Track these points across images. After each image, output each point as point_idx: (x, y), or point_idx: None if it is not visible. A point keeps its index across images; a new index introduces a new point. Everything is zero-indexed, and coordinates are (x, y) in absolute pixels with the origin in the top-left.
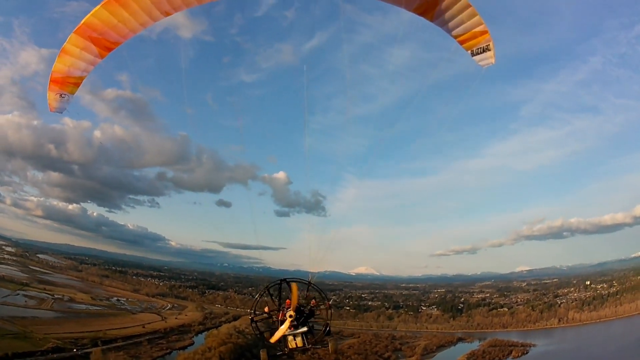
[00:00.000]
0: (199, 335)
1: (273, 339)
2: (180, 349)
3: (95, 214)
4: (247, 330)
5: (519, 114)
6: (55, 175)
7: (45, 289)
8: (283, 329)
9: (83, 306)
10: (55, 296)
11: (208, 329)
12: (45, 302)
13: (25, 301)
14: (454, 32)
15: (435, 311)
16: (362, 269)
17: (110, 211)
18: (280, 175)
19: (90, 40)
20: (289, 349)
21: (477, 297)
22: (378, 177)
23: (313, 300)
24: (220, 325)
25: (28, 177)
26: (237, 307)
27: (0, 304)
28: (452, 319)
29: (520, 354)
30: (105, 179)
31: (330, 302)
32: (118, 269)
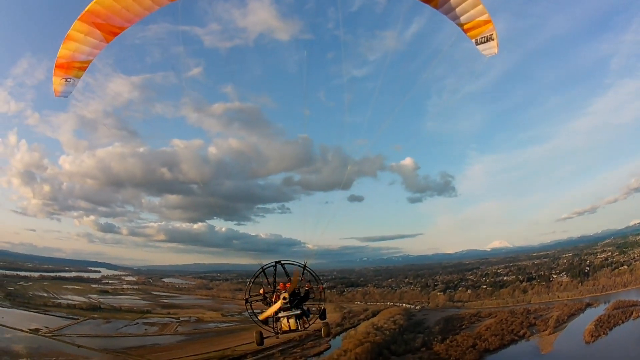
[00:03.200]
0: (337, 337)
1: (262, 316)
2: (315, 355)
3: (224, 229)
4: (386, 325)
5: (609, 67)
6: (173, 198)
7: (169, 314)
8: (273, 308)
9: (212, 325)
10: (181, 319)
11: (346, 330)
12: (169, 327)
13: (145, 329)
14: (458, 21)
15: (565, 278)
16: (496, 243)
17: (239, 224)
18: (408, 161)
19: (94, 26)
20: (282, 330)
21: (601, 258)
22: (499, 150)
23: (308, 283)
24: (358, 324)
25: (143, 204)
26: (377, 302)
27: (115, 336)
28: (580, 284)
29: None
30: (229, 193)
31: (324, 286)
32: (270, 282)
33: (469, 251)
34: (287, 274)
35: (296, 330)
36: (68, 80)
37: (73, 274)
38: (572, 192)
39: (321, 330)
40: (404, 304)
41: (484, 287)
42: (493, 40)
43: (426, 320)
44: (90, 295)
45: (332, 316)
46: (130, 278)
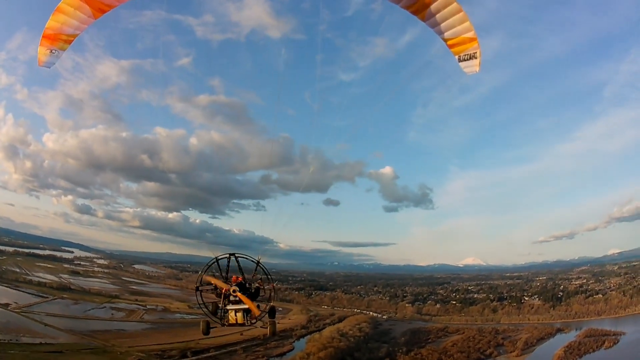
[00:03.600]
0: (301, 339)
1: (208, 279)
2: (278, 355)
3: (198, 221)
4: (351, 332)
5: (602, 95)
6: (151, 185)
7: (136, 300)
8: (220, 284)
9: (178, 315)
10: (148, 307)
11: (311, 333)
12: (135, 314)
13: (112, 314)
14: (444, 36)
15: (537, 301)
16: (469, 260)
17: (214, 217)
18: (387, 170)
19: (84, 1)
20: (229, 323)
21: (575, 284)
22: (481, 167)
23: (259, 280)
24: (324, 328)
25: (121, 188)
26: (344, 308)
27: (82, 318)
28: (552, 308)
29: (612, 344)
30: (207, 186)
31: (275, 284)
32: (223, 275)
33: (441, 265)
34: (240, 268)
35: (243, 324)
36: (53, 51)
37: (47, 252)
38: (551, 215)
39: (267, 327)
40: (371, 312)
41: (454, 302)
42: (476, 58)
43: (392, 331)
44: (62, 275)
45: (298, 318)
46: (102, 261)
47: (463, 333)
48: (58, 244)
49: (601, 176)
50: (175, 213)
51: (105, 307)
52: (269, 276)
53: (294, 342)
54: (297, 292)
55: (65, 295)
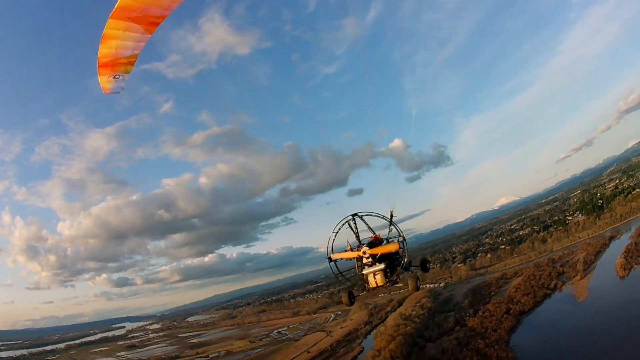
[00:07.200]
0: (368, 336)
1: (334, 255)
2: None
3: (235, 254)
4: (414, 312)
5: (571, 1)
6: (177, 237)
7: (197, 354)
8: (348, 254)
9: (242, 355)
10: (211, 356)
11: (376, 327)
12: None
13: None
14: None
15: (580, 217)
16: (503, 200)
17: (248, 246)
18: (397, 143)
19: (131, 21)
20: (370, 287)
21: (610, 187)
22: (483, 109)
23: (379, 233)
24: (387, 317)
25: (150, 250)
26: (400, 290)
27: None
28: (597, 219)
29: None
30: (231, 218)
31: (404, 235)
32: (274, 298)
33: (478, 214)
34: (369, 227)
35: (384, 285)
36: (117, 77)
37: (98, 336)
38: (564, 131)
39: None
40: (427, 285)
41: (503, 247)
42: None
43: (453, 297)
44: (118, 354)
45: (359, 315)
46: (155, 326)
47: (522, 274)
48: (107, 323)
49: (596, 78)
50: (210, 255)
51: None
52: (398, 229)
53: (361, 342)
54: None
55: None
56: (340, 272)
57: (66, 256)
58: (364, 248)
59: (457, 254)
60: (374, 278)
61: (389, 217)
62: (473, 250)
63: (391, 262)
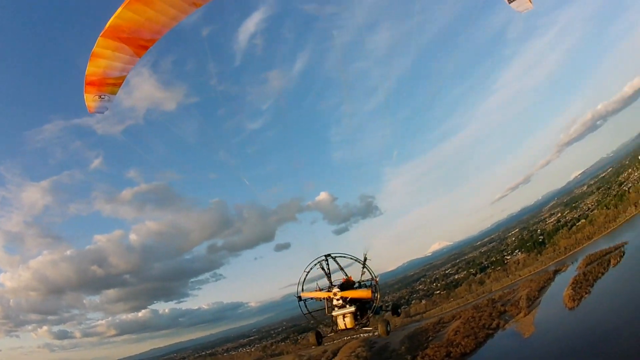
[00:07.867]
0: None
1: (304, 294)
2: None
3: (167, 310)
4: None
5: (506, 37)
6: (111, 292)
7: None
8: (319, 294)
9: None
10: None
11: None
12: None
13: None
14: None
15: (520, 255)
16: (435, 246)
17: (180, 301)
18: (323, 196)
19: (121, 41)
20: (339, 330)
21: (552, 222)
22: (414, 156)
23: (350, 276)
24: None
25: (86, 304)
26: (333, 340)
27: None
28: (539, 255)
29: (618, 258)
30: (161, 275)
31: (377, 279)
32: (207, 352)
33: (410, 262)
34: (341, 268)
35: (353, 329)
36: (102, 97)
37: None
38: (500, 170)
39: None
40: (361, 334)
41: (438, 292)
42: None
43: (390, 344)
44: None
45: None
46: None
47: (460, 317)
48: None
49: (535, 112)
50: (143, 310)
51: None
52: (372, 273)
53: None
54: (282, 343)
55: None
56: (310, 312)
57: (10, 307)
58: (335, 289)
59: (389, 303)
60: (344, 320)
61: (363, 259)
62: (407, 297)
63: (362, 305)
